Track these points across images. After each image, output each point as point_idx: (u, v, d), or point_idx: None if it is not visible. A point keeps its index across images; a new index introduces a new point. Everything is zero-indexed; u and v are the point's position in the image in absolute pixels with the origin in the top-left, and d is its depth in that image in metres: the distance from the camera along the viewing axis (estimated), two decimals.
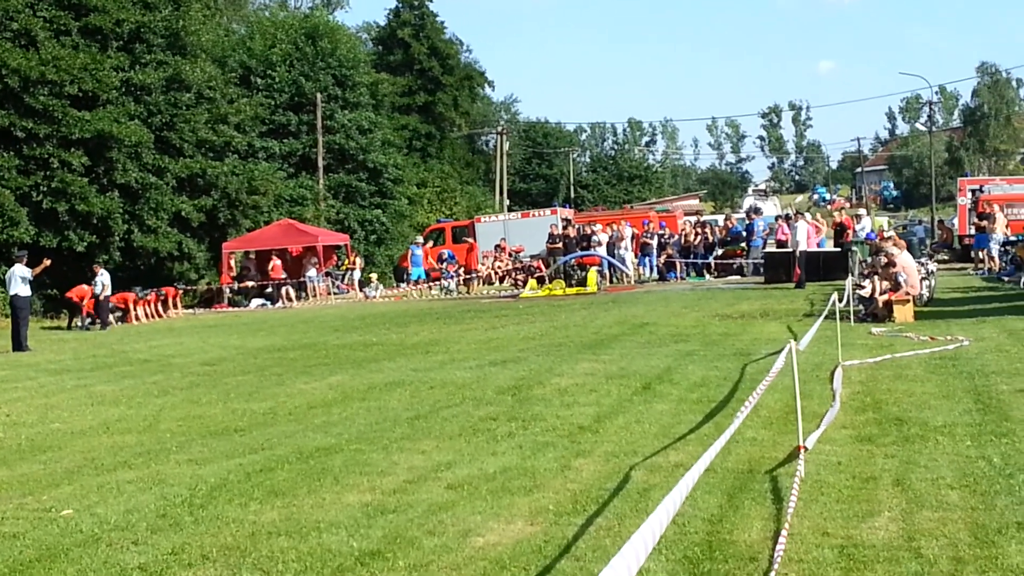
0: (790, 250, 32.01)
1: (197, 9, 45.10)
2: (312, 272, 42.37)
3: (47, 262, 28.49)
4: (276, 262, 42.20)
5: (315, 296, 41.82)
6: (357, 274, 44.97)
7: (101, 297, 33.12)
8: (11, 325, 27.10)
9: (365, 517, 7.96)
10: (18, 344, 25.96)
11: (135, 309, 35.10)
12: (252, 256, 43.79)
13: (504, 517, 7.74)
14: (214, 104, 44.28)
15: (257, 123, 50.93)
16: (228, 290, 42.58)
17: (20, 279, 26.71)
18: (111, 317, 34.17)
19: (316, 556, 7.10)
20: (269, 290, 41.70)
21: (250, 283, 42.41)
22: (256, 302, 41.10)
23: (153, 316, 35.95)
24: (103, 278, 33.24)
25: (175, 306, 38.26)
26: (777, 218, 43.16)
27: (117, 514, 8.50)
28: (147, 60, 41.31)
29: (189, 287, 42.81)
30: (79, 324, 33.27)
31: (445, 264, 43.94)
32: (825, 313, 15.03)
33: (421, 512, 7.99)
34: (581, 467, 9.14)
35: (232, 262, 44.13)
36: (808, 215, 37.89)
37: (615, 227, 41.71)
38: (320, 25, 59.97)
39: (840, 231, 36.16)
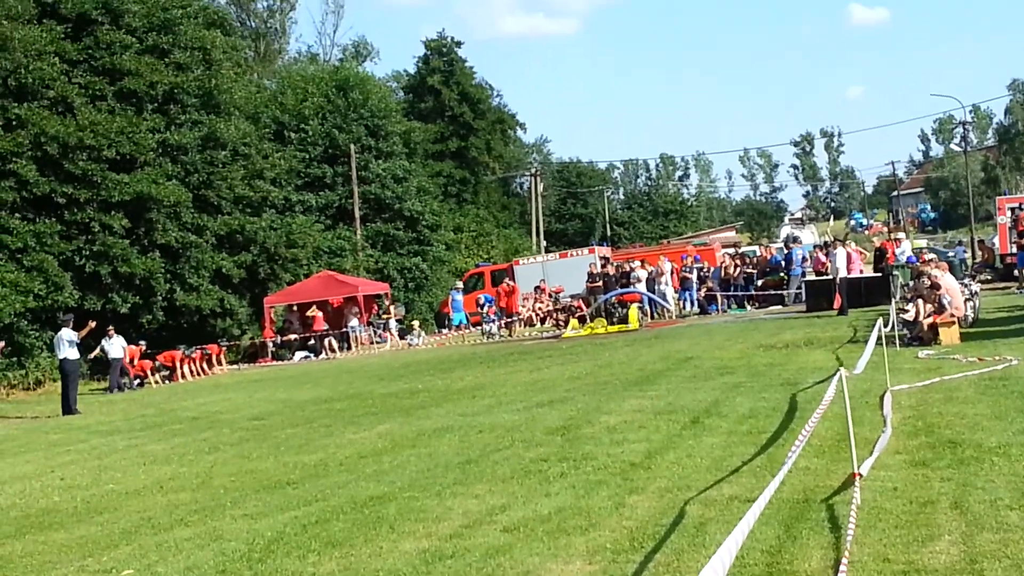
0: (830, 277, 31.90)
1: (228, 67, 45.63)
2: (354, 322, 42.54)
3: (92, 325, 28.75)
4: (317, 314, 42.41)
5: (359, 346, 41.94)
6: (393, 323, 44.98)
7: (111, 359, 33.24)
8: (61, 389, 27.34)
9: (423, 564, 7.97)
10: (67, 407, 26.17)
11: (181, 367, 35.34)
12: (294, 309, 44.01)
13: (562, 558, 7.73)
14: (249, 160, 44.67)
15: (293, 176, 51.32)
16: (271, 344, 42.80)
17: (68, 343, 26.98)
18: (156, 376, 34.54)
19: None
20: (312, 342, 41.88)
21: (293, 336, 42.63)
22: (300, 355, 41.28)
23: (199, 373, 36.17)
24: (118, 340, 33.36)
25: (220, 362, 38.46)
26: (815, 247, 43.03)
27: (177, 572, 8.56)
28: (182, 120, 41.75)
29: (232, 343, 43.02)
30: (127, 384, 33.47)
31: (485, 308, 43.95)
32: (874, 339, 14.93)
33: (479, 556, 7.99)
34: (635, 504, 9.12)
35: (273, 316, 44.37)
36: (852, 243, 37.80)
37: (649, 265, 41.62)
38: (350, 77, 60.50)
39: (880, 256, 35.98)
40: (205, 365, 37.04)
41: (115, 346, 33.08)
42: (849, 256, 32.32)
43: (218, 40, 44.87)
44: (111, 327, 33.58)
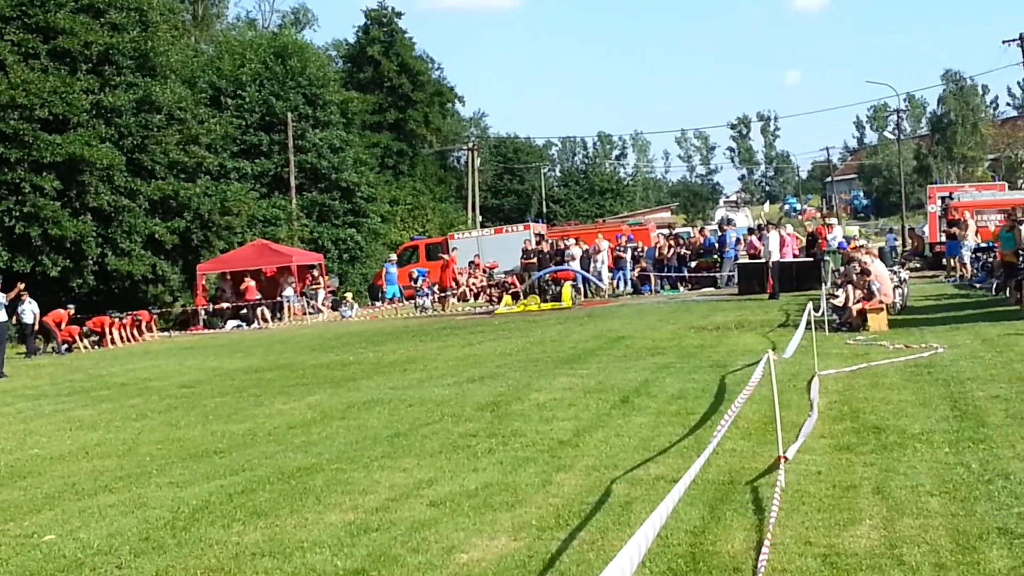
0: (763, 261, 32.12)
1: (165, 30, 45.16)
2: (289, 291, 42.27)
3: (21, 286, 28.35)
4: (250, 283, 42.10)
5: (291, 316, 41.71)
6: (321, 294, 44.61)
7: (23, 324, 32.59)
8: None
9: (348, 536, 7.96)
10: None
11: (111, 333, 34.98)
12: (227, 277, 43.67)
13: (487, 533, 7.76)
14: (185, 125, 44.29)
15: (228, 143, 50.94)
16: (203, 312, 42.47)
17: None
18: (86, 341, 34.17)
19: None
20: (244, 311, 41.59)
21: (225, 304, 42.31)
22: (232, 323, 41.01)
23: (129, 340, 35.83)
24: (29, 306, 32.64)
25: (150, 329, 38.11)
26: (750, 230, 43.27)
27: (100, 538, 8.48)
28: (117, 82, 41.30)
29: (164, 310, 42.66)
30: (54, 349, 33.12)
31: (420, 282, 43.87)
32: (804, 324, 15.05)
33: (404, 530, 8.00)
34: (562, 482, 9.15)
35: (206, 283, 44.03)
36: (789, 227, 38.04)
37: (583, 243, 41.69)
38: (289, 44, 60.08)
39: (812, 241, 36.24)
40: (135, 331, 36.67)
41: (26, 312, 32.30)
42: (783, 240, 32.56)
43: (155, 1, 44.36)
44: (24, 292, 32.19)
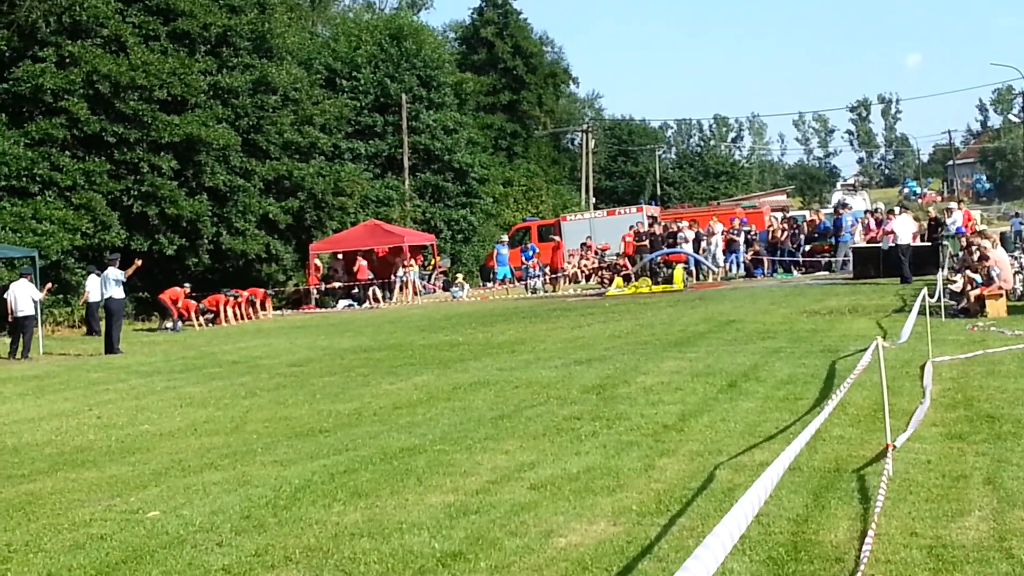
0: (879, 245, 31.53)
1: (282, 12, 45.56)
2: (404, 271, 42.35)
3: (138, 263, 28.80)
4: (362, 263, 42.38)
5: (403, 296, 41.87)
6: (413, 273, 43.99)
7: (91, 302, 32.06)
8: (104, 327, 27.47)
9: (447, 518, 7.93)
10: (110, 346, 26.28)
11: (225, 311, 35.44)
12: (339, 257, 44.01)
13: (587, 517, 7.67)
14: (300, 106, 44.68)
15: (343, 124, 51.32)
16: (315, 291, 42.89)
17: (114, 282, 27.02)
18: (200, 319, 34.64)
19: (398, 557, 7.07)
20: (356, 291, 41.91)
21: (337, 284, 42.66)
22: (343, 303, 41.34)
23: (242, 318, 36.27)
24: (95, 281, 31.93)
25: (264, 307, 38.54)
26: (866, 212, 42.54)
27: (202, 515, 8.55)
28: (234, 63, 41.79)
29: (277, 288, 43.12)
30: (169, 326, 33.64)
31: (529, 262, 43.86)
32: (917, 309, 14.68)
33: (503, 513, 7.95)
34: (665, 467, 9.04)
35: (318, 263, 44.42)
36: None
37: (697, 226, 41.37)
38: (404, 26, 60.37)
39: (936, 225, 35.39)
40: (249, 310, 37.13)
41: (95, 289, 32.01)
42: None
43: None
44: (94, 272, 31.57)
